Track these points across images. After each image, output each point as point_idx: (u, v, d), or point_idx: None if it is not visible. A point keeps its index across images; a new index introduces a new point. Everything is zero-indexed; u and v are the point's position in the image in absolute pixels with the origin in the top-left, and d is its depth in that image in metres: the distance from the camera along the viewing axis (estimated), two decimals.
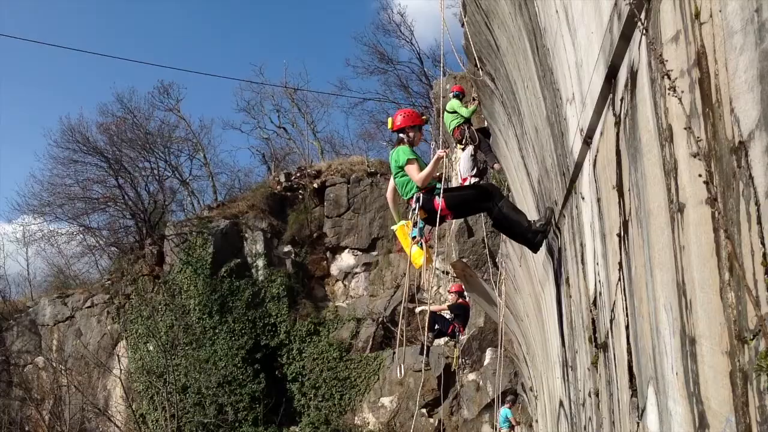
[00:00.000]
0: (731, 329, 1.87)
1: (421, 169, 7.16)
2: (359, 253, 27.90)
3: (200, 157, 35.66)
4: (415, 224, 7.56)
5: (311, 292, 27.65)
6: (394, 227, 8.02)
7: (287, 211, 28.81)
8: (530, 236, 6.93)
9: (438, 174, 7.52)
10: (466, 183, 14.61)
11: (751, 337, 1.72)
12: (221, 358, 25.63)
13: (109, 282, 29.01)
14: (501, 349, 15.97)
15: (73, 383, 25.10)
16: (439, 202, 7.14)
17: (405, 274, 26.38)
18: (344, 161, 30.63)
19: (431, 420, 23.84)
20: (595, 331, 4.55)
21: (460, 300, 15.10)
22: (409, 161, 7.26)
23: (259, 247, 27.50)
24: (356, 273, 27.80)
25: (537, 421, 15.64)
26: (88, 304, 29.12)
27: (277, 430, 24.90)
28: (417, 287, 26.28)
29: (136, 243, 29.71)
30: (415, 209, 7.29)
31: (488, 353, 21.46)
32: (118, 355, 27.04)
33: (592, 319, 4.61)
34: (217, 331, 26.01)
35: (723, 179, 1.88)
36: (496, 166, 13.87)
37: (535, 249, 7.04)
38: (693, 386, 2.20)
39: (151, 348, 26.62)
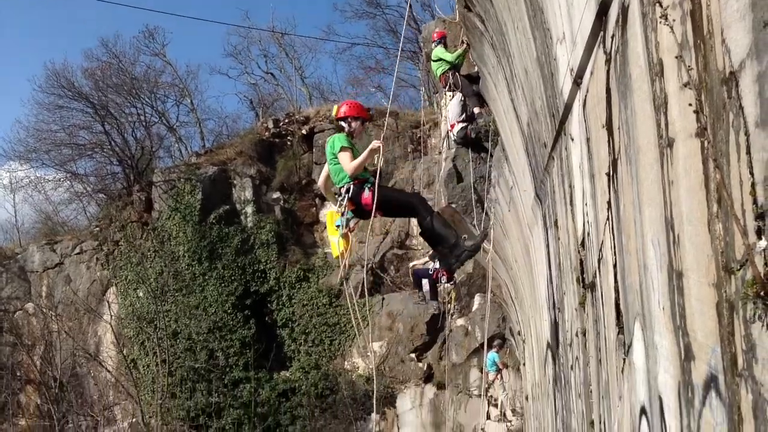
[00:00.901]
0: (718, 261, 1.88)
1: (355, 159, 7.19)
2: None
3: (187, 102, 35.37)
4: (342, 214, 7.54)
5: (300, 239, 27.68)
6: (324, 212, 7.98)
7: (276, 157, 28.67)
8: (454, 253, 7.08)
9: (373, 168, 7.47)
10: (454, 129, 14.56)
11: (738, 267, 1.72)
12: (211, 304, 25.75)
13: (97, 228, 28.94)
14: (489, 294, 16.10)
15: (63, 329, 25.21)
16: (367, 196, 7.22)
17: (394, 220, 26.45)
18: (333, 107, 30.35)
19: (420, 364, 24.12)
20: (582, 272, 4.58)
21: None
22: (342, 149, 7.31)
23: (248, 193, 27.43)
24: None
25: (524, 364, 15.85)
26: (77, 250, 29.09)
27: (268, 375, 25.15)
28: (405, 233, 26.37)
29: (124, 189, 29.56)
30: (344, 199, 7.36)
31: (477, 299, 21.64)
32: (108, 301, 27.13)
33: (580, 260, 4.63)
34: (206, 277, 26.08)
35: (713, 111, 1.87)
36: (476, 109, 13.84)
37: (450, 269, 7.09)
38: (679, 320, 2.22)
39: (141, 294, 26.70)
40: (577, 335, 4.94)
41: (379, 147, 7.32)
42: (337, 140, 7.46)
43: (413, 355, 24.20)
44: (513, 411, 20.48)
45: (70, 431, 24.12)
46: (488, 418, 21.29)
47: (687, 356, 2.15)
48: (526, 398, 15.87)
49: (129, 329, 26.70)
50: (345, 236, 7.67)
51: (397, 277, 25.94)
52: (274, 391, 24.82)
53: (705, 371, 1.99)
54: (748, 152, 1.66)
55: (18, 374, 26.68)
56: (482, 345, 20.66)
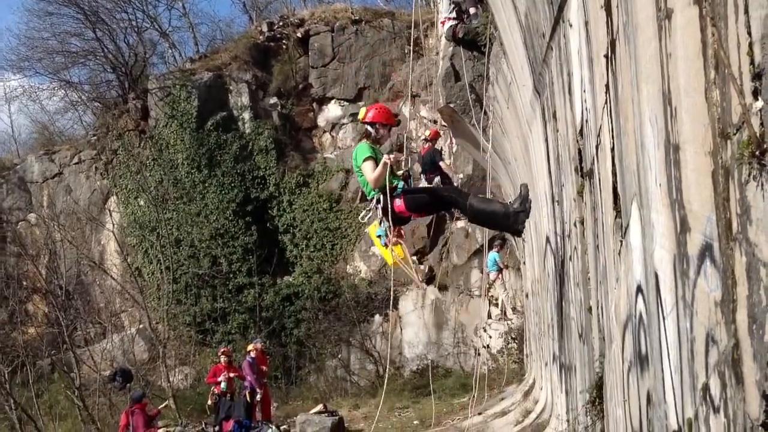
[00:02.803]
0: (715, 128, 1.86)
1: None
2: (346, 103, 27.59)
3: (179, 6, 34.45)
4: (381, 222, 7.31)
5: (299, 144, 27.56)
6: (367, 228, 7.68)
7: (271, 62, 28.25)
8: (512, 221, 6.68)
9: (402, 172, 7.25)
10: (444, 25, 14.31)
11: (735, 131, 1.71)
12: (212, 212, 25.86)
13: (95, 138, 28.79)
14: (489, 195, 16.12)
15: (66, 238, 25.37)
16: (399, 204, 6.99)
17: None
18: (328, 9, 29.72)
19: (421, 266, 24.39)
20: (581, 161, 4.57)
21: (428, 145, 15.10)
22: (365, 160, 7.04)
23: (245, 99, 27.15)
24: (343, 124, 27.60)
25: (524, 262, 16.03)
26: (76, 160, 29.00)
27: (271, 280, 25.47)
28: (405, 137, 26.24)
29: (119, 97, 29.23)
30: (376, 210, 7.15)
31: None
32: (109, 210, 27.20)
33: (579, 149, 4.62)
34: (206, 185, 26.10)
35: None
36: (471, 9, 13.58)
37: (518, 233, 6.84)
38: (675, 193, 2.22)
39: (141, 203, 26.78)
40: (575, 225, 4.98)
41: (394, 160, 7.06)
42: (360, 151, 7.20)
43: (415, 258, 24.44)
44: (513, 309, 20.83)
45: (78, 338, 24.57)
46: (489, 317, 21.67)
47: (683, 229, 2.16)
48: (526, 296, 16.11)
49: (132, 237, 26.89)
50: (395, 244, 7.43)
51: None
52: (278, 296, 25.19)
53: (700, 241, 2.00)
54: (746, 11, 1.62)
55: (24, 284, 27.01)
56: (483, 246, 20.85)
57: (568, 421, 6.17)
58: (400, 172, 7.26)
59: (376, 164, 6.97)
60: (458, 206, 7.24)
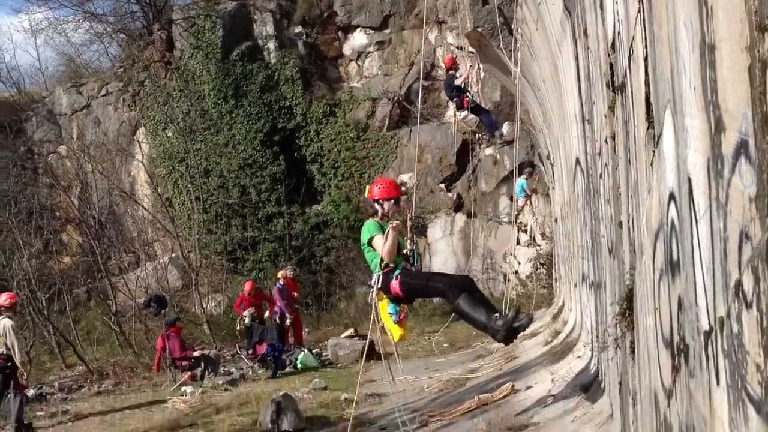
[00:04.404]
0: (752, 22, 1.84)
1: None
2: (371, 31, 27.28)
3: None
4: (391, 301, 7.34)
5: (325, 74, 27.40)
6: (376, 302, 7.63)
7: None
8: (491, 333, 6.76)
9: (406, 250, 7.24)
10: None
11: None
12: (240, 142, 25.95)
13: (121, 69, 28.78)
14: (517, 121, 16.02)
15: (97, 169, 25.65)
16: (395, 285, 7.02)
17: (419, 51, 25.99)
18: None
19: (450, 194, 24.42)
20: (612, 76, 4.53)
21: (451, 71, 14.90)
22: (371, 239, 7.13)
23: (269, 28, 26.94)
24: (369, 52, 27.35)
25: (554, 187, 15.99)
26: (103, 92, 29.09)
27: (300, 209, 25.67)
28: (431, 64, 25.98)
29: (144, 29, 29.11)
30: (373, 290, 7.22)
31: (505, 126, 21.53)
32: (138, 141, 27.40)
33: (610, 64, 4.57)
34: (233, 115, 26.14)
35: None
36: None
37: (501, 341, 6.83)
38: (710, 94, 2.21)
39: (170, 134, 26.91)
40: (606, 141, 4.95)
41: (398, 224, 7.11)
42: (366, 232, 7.28)
43: (442, 186, 24.47)
44: (542, 235, 20.89)
45: (113, 267, 25.05)
46: (518, 243, 21.77)
47: (717, 129, 2.15)
48: (555, 220, 16.13)
49: (161, 168, 27.12)
50: (400, 323, 7.43)
51: (425, 109, 25.80)
52: (307, 225, 25.42)
53: (735, 139, 2.00)
54: None
55: (57, 214, 27.43)
56: (511, 173, 20.81)
57: (597, 336, 6.25)
58: (404, 251, 7.27)
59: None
60: (447, 300, 7.27)
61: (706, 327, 2.33)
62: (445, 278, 7.09)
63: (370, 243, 7.22)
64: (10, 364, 12.18)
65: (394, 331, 7.51)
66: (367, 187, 7.61)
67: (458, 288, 6.95)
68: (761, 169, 1.80)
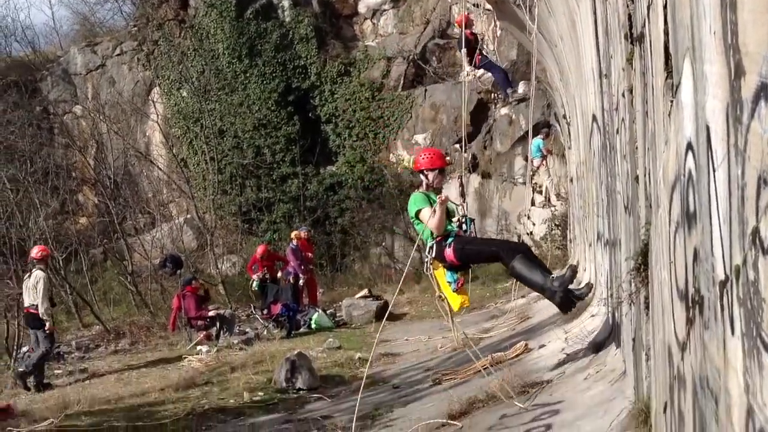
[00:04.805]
0: None
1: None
2: None
3: None
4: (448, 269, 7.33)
5: (339, 33, 27.16)
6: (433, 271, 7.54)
7: None
8: (548, 295, 6.84)
9: (457, 218, 7.22)
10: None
11: None
12: (254, 102, 25.86)
13: (135, 28, 28.66)
14: (533, 79, 15.83)
15: (112, 129, 25.67)
16: (449, 253, 7.00)
17: (434, 9, 25.71)
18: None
19: (465, 155, 24.29)
20: (630, 27, 4.44)
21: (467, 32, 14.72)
22: (421, 209, 7.11)
23: None
24: (384, 10, 27.06)
25: (570, 147, 15.87)
26: (118, 51, 29.01)
27: (315, 170, 25.64)
28: (447, 22, 25.70)
29: None
30: (430, 260, 7.19)
31: (521, 86, 21.34)
32: (153, 101, 27.35)
33: (629, 15, 4.49)
34: (248, 75, 26.03)
35: None
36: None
37: (559, 306, 6.87)
38: (731, 38, 2.15)
39: (184, 94, 26.85)
40: (623, 95, 4.88)
41: (446, 198, 7.08)
42: (412, 204, 7.25)
43: (457, 146, 24.33)
44: (558, 196, 20.78)
45: (128, 227, 25.20)
46: (533, 204, 21.67)
47: (737, 74, 2.10)
48: (571, 180, 16.03)
49: (176, 128, 27.10)
50: (459, 291, 7.42)
51: (440, 68, 25.59)
52: (322, 185, 25.39)
53: (755, 82, 1.94)
54: None
55: (73, 174, 27.53)
56: (526, 133, 20.65)
57: (611, 294, 6.22)
58: (455, 219, 7.23)
59: (433, 209, 7.03)
60: (503, 263, 7.23)
61: (722, 277, 2.29)
62: (501, 242, 7.16)
63: (417, 216, 7.22)
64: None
65: (453, 300, 7.52)
66: (411, 158, 7.67)
67: (513, 250, 7.01)
68: None
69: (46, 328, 12.64)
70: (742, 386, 1.96)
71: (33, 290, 12.47)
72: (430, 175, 7.41)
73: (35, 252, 13.17)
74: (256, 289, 17.53)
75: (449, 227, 7.13)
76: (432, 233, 7.11)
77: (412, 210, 7.28)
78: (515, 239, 22.10)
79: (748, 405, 1.90)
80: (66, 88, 29.76)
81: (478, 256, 7.39)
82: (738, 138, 2.11)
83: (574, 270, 7.07)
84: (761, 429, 1.78)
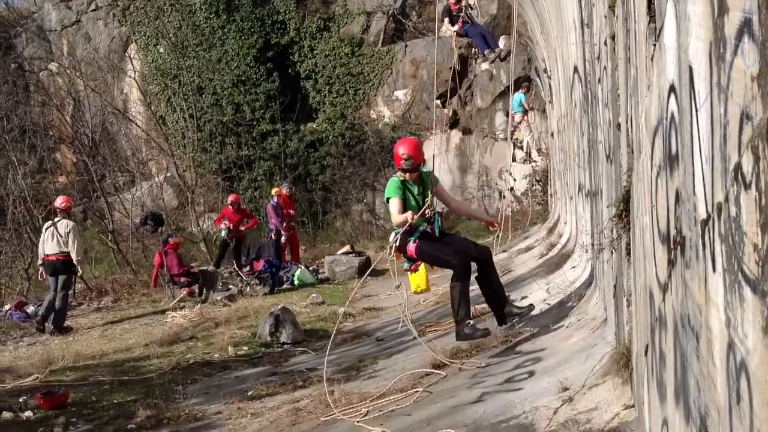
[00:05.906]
0: None
1: (403, 206, 7.12)
2: None
3: None
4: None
5: None
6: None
7: None
8: (456, 328, 7.13)
9: (428, 215, 7.23)
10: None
11: None
12: (233, 58, 25.58)
13: None
14: (514, 34, 15.76)
15: (89, 86, 25.33)
16: (411, 248, 7.18)
17: None
18: None
19: (445, 111, 24.23)
20: None
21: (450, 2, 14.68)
22: (389, 200, 7.28)
23: None
24: None
25: (551, 101, 15.87)
26: (93, 7, 28.47)
27: (295, 127, 25.49)
28: None
29: None
30: (392, 248, 7.43)
31: (501, 41, 21.20)
32: (130, 58, 26.98)
33: None
34: (225, 30, 25.69)
35: None
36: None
37: (457, 337, 7.15)
38: None
39: (161, 50, 26.50)
40: (605, 44, 4.88)
41: (413, 217, 7.07)
42: (388, 189, 7.36)
43: (438, 102, 24.25)
44: (538, 151, 20.84)
45: (108, 186, 24.99)
46: (514, 160, 21.72)
47: (720, 12, 2.10)
48: (551, 135, 16.07)
49: (154, 85, 26.79)
50: (414, 270, 7.65)
51: (420, 23, 25.39)
52: (302, 142, 25.28)
53: (738, 19, 1.95)
54: None
55: (50, 133, 27.19)
56: (508, 88, 20.62)
57: (593, 243, 6.29)
58: (426, 210, 7.27)
59: (403, 202, 7.18)
60: (453, 277, 7.29)
61: (704, 215, 2.32)
62: (461, 256, 7.18)
63: (389, 201, 7.38)
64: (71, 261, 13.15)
65: (412, 281, 7.84)
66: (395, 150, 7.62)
67: (465, 272, 7.13)
68: (764, 45, 1.76)
69: (79, 273, 13.64)
70: (723, 321, 2.00)
71: (61, 238, 12.97)
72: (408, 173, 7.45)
73: (59, 202, 13.66)
74: (223, 237, 17.86)
75: (418, 222, 7.20)
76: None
77: (387, 193, 7.43)
78: (496, 195, 22.20)
79: (729, 338, 1.94)
80: (41, 45, 29.26)
81: (436, 261, 7.54)
82: (721, 76, 2.12)
83: (530, 309, 7.34)
84: (742, 360, 1.82)
